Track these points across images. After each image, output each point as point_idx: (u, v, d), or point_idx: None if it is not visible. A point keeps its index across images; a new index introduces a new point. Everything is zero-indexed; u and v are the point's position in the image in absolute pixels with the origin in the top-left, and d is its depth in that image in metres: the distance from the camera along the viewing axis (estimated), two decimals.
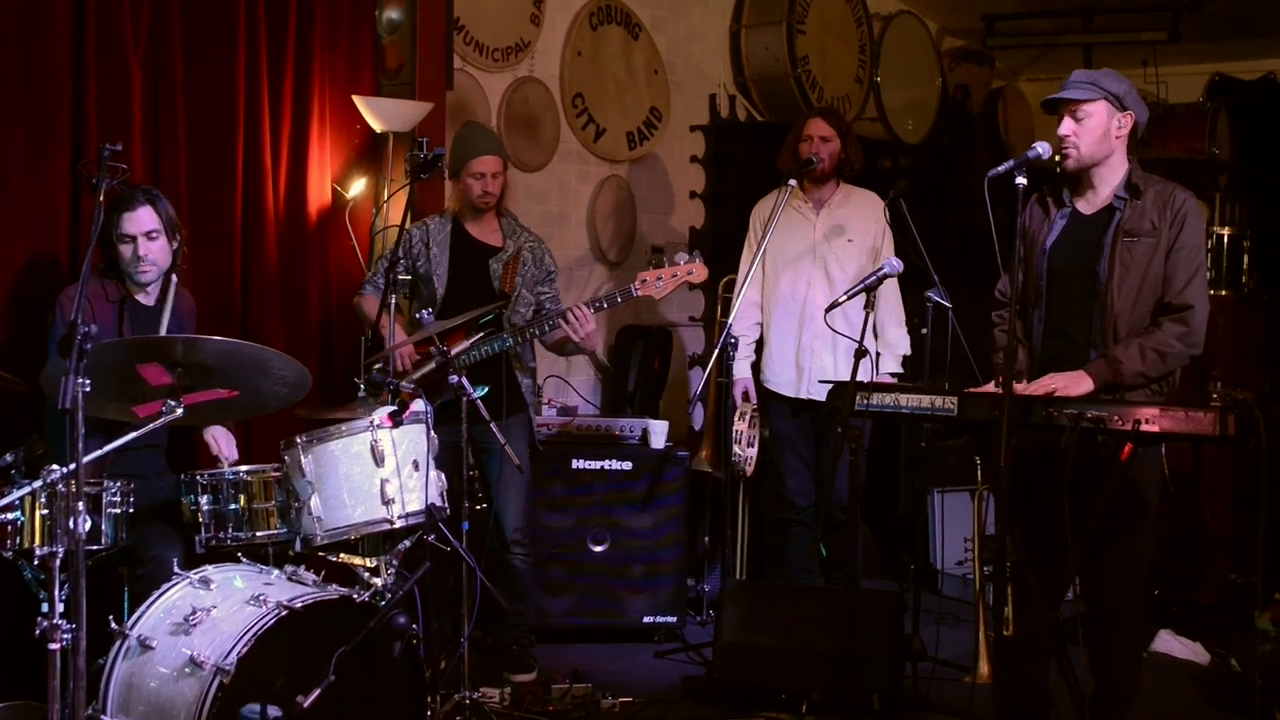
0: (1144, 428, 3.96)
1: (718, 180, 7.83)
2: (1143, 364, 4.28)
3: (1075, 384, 4.26)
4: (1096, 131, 4.36)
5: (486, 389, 4.97)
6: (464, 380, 4.72)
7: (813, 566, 6.20)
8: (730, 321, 5.98)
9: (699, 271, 5.32)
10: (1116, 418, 4.00)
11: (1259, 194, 8.72)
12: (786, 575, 6.16)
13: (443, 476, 4.65)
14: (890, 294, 6.00)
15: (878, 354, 5.93)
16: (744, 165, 7.66)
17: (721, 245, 7.68)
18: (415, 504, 4.48)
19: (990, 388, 4.40)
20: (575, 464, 6.14)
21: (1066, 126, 4.38)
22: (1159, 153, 8.20)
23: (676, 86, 7.69)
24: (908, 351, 6.02)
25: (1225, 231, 7.82)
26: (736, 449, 6.16)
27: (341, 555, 4.49)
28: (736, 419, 6.16)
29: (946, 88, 9.14)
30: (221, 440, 4.79)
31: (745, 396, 6.17)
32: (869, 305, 4.57)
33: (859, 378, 4.51)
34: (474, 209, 5.49)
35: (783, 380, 6.09)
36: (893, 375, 5.94)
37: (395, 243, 5.11)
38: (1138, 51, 8.75)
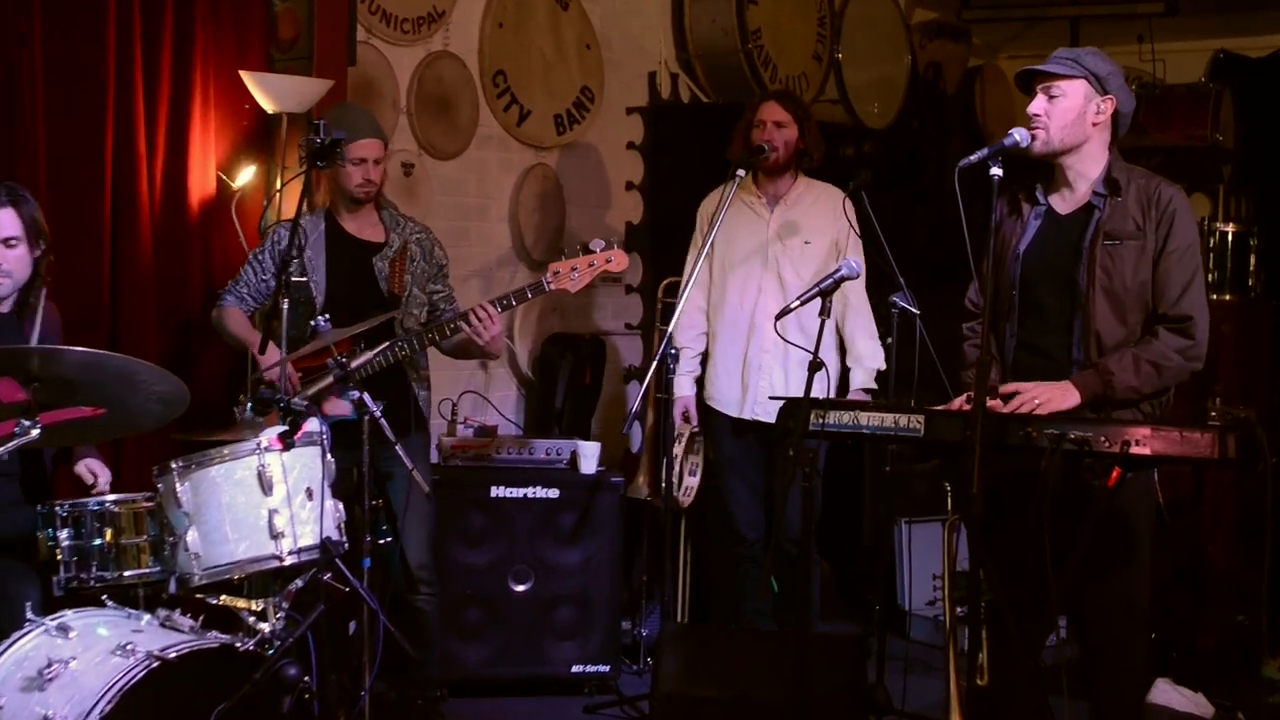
0: (1134, 450, 3.98)
1: (658, 169, 7.83)
2: (1136, 378, 4.30)
3: (1060, 397, 4.29)
4: (1070, 113, 4.39)
5: (382, 406, 4.96)
6: (366, 396, 4.69)
7: (765, 607, 6.21)
8: (671, 330, 5.99)
9: (618, 260, 5.32)
10: (1103, 438, 4.02)
11: (1268, 186, 8.79)
12: (738, 617, 6.17)
13: (340, 506, 4.63)
14: (858, 300, 6.01)
15: (845, 369, 5.97)
16: (687, 152, 7.67)
17: (662, 242, 7.70)
18: (308, 538, 4.46)
19: (958, 403, 4.42)
20: (494, 492, 6.13)
21: (1038, 104, 4.41)
22: (1156, 139, 8.27)
23: (611, 64, 7.68)
24: (882, 365, 6.02)
25: (1229, 229, 7.89)
26: (674, 477, 6.17)
27: (223, 597, 4.45)
28: (675, 443, 6.17)
29: (917, 66, 9.18)
30: (96, 468, 4.74)
31: (685, 417, 6.18)
32: (824, 312, 4.59)
33: (815, 394, 4.51)
34: (351, 201, 5.46)
35: (727, 398, 6.10)
36: (866, 392, 5.95)
37: (263, 243, 5.06)
38: (1132, 26, 8.83)
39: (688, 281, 6.00)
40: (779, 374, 5.97)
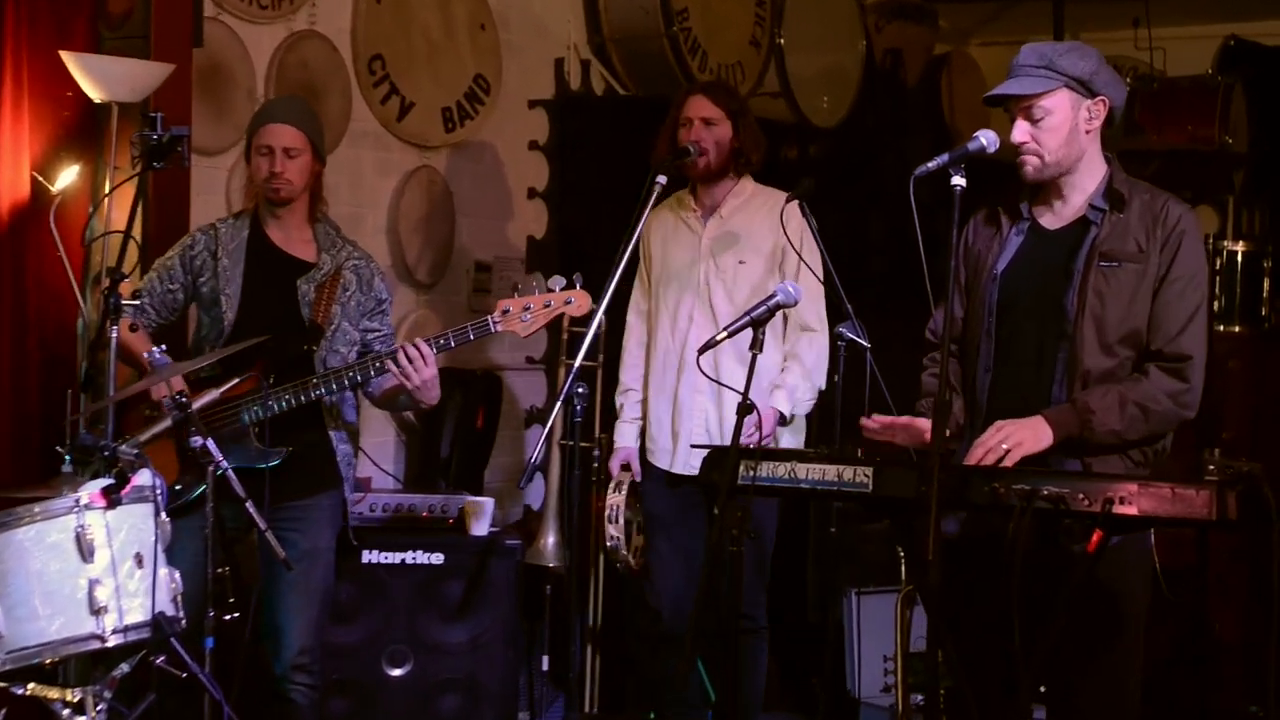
0: (1117, 509, 4.00)
1: (565, 174, 7.85)
2: (1120, 420, 4.32)
3: (1032, 436, 4.29)
4: (1061, 131, 4.40)
5: (284, 454, 4.96)
6: (210, 444, 4.67)
7: (690, 695, 6.21)
8: (576, 363, 5.96)
9: (580, 301, 5.30)
10: (1081, 496, 4.03)
11: None
12: (658, 707, 6.16)
13: (175, 575, 4.59)
14: (808, 321, 5.99)
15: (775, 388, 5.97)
16: (600, 154, 7.70)
17: (570, 260, 7.65)
18: (137, 613, 4.43)
19: (901, 423, 4.43)
20: (366, 557, 6.10)
21: (1021, 131, 4.41)
22: (1154, 142, 8.35)
23: (511, 48, 7.70)
24: (806, 405, 6.01)
25: (1240, 247, 7.97)
26: (612, 530, 6.15)
27: (31, 686, 4.41)
28: (610, 490, 6.16)
29: (873, 53, 9.24)
30: None
31: (625, 468, 6.18)
32: (755, 345, 4.60)
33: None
34: (269, 204, 5.45)
35: (657, 446, 6.13)
36: (779, 416, 5.93)
37: (175, 249, 5.04)
38: (1126, 8, 8.91)
39: (635, 313, 6.03)
40: (714, 416, 5.99)
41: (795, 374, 5.94)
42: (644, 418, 6.20)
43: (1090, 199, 4.47)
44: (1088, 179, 4.48)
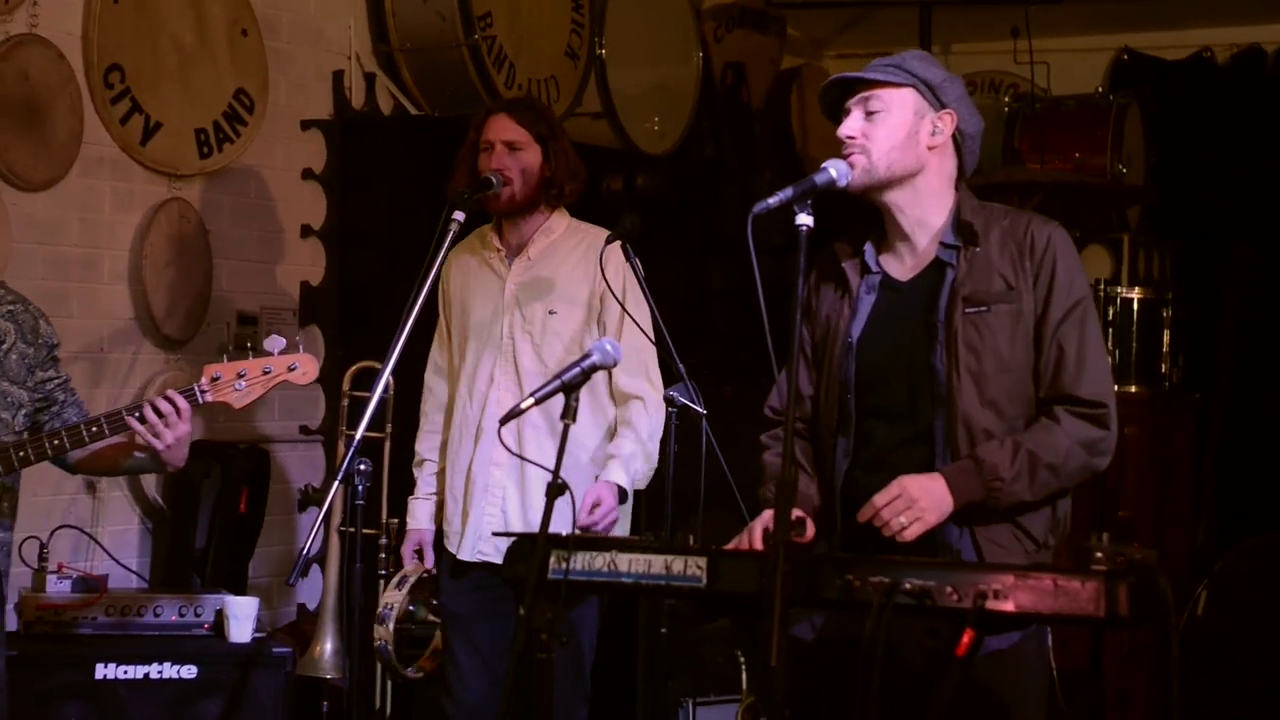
0: (991, 605, 4.00)
1: (347, 208, 7.86)
2: (1030, 488, 4.32)
3: (928, 501, 4.26)
4: (897, 133, 4.45)
5: None
6: None
7: None
8: (358, 434, 5.93)
9: (306, 368, 5.19)
10: (950, 590, 4.02)
11: (1189, 236, 9.00)
12: None
13: None
14: (631, 367, 5.97)
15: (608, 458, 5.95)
16: (389, 184, 7.73)
17: (351, 312, 7.67)
18: None
19: (755, 534, 4.42)
20: (100, 672, 6.03)
21: (852, 124, 4.46)
22: (1035, 172, 8.45)
23: (280, 57, 7.69)
24: (641, 476, 6.01)
25: (1136, 295, 8.09)
26: (379, 632, 6.09)
27: None
28: (392, 584, 6.10)
29: (710, 68, 9.31)
30: None
31: (418, 554, 6.13)
32: (568, 415, 4.59)
33: (559, 527, 4.50)
34: None
35: (450, 528, 6.08)
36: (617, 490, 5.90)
37: None
38: (1003, 15, 9.04)
39: (434, 367, 6.03)
40: (515, 496, 5.96)
41: (629, 441, 5.93)
42: (440, 494, 6.17)
43: (940, 236, 4.50)
44: (933, 214, 4.52)
